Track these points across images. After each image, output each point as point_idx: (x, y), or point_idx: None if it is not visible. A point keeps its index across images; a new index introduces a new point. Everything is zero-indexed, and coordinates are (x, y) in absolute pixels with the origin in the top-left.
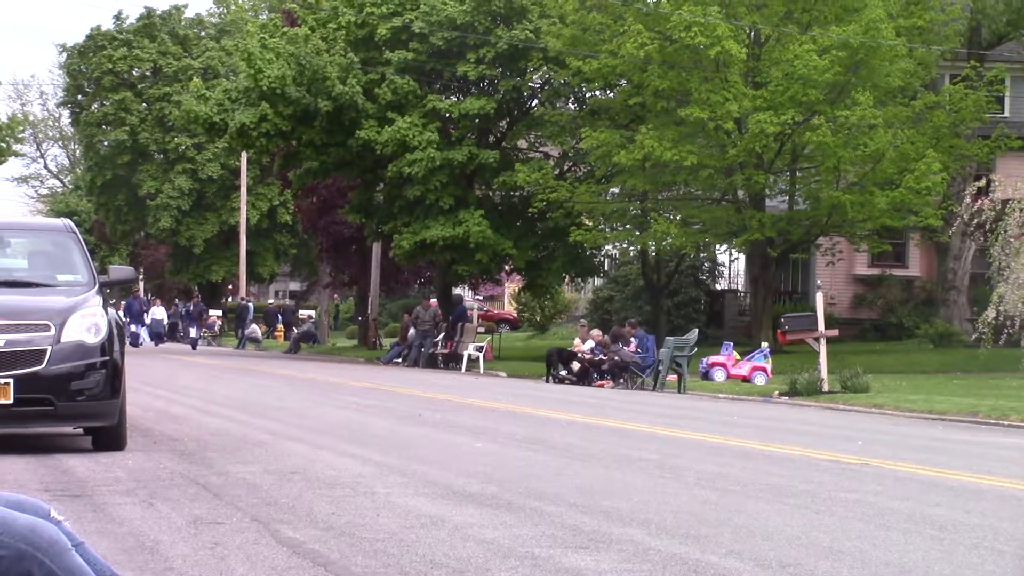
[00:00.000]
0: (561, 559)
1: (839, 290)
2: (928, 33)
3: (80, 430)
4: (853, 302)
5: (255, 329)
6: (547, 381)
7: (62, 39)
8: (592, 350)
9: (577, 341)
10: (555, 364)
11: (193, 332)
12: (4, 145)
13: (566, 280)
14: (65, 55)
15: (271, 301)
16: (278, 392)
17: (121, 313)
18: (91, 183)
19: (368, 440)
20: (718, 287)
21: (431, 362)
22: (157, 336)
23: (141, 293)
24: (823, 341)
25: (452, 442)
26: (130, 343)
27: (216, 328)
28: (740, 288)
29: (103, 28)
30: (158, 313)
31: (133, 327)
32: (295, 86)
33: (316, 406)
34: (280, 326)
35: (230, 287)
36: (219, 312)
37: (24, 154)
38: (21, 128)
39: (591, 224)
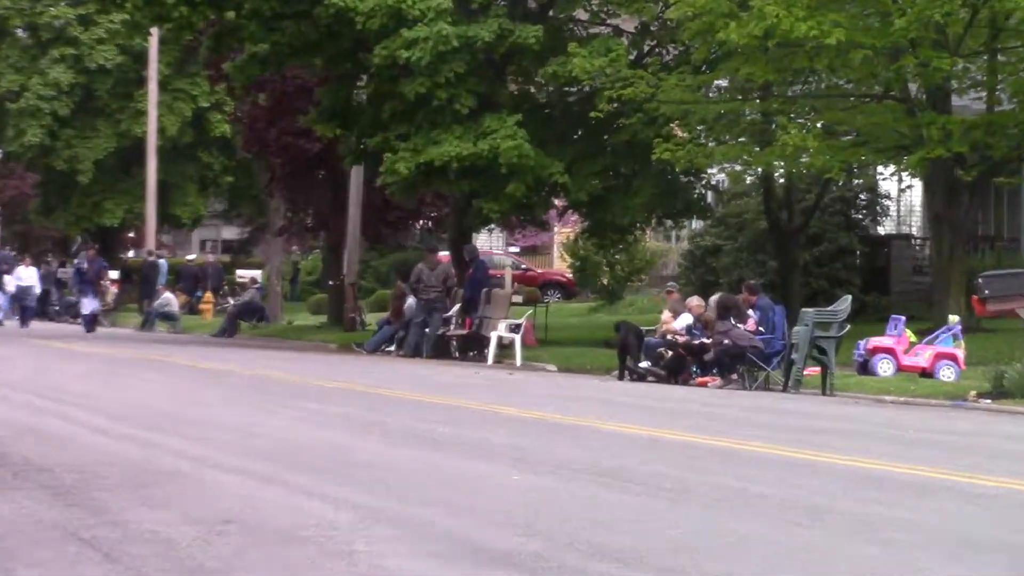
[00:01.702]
0: None
1: None
2: None
3: None
4: None
5: (169, 300)
6: (619, 378)
7: None
8: (688, 329)
9: (666, 315)
10: (631, 351)
11: (88, 303)
12: None
13: (650, 223)
14: None
15: (191, 257)
16: (204, 396)
17: None
18: None
19: (343, 470)
20: (881, 231)
21: (440, 349)
22: (24, 310)
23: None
24: None
25: (474, 473)
26: None
27: (109, 298)
28: (915, 233)
29: None
30: (25, 275)
31: None
32: None
33: (262, 418)
34: (208, 295)
35: (131, 236)
36: (114, 274)
37: None
38: None
39: (687, 136)
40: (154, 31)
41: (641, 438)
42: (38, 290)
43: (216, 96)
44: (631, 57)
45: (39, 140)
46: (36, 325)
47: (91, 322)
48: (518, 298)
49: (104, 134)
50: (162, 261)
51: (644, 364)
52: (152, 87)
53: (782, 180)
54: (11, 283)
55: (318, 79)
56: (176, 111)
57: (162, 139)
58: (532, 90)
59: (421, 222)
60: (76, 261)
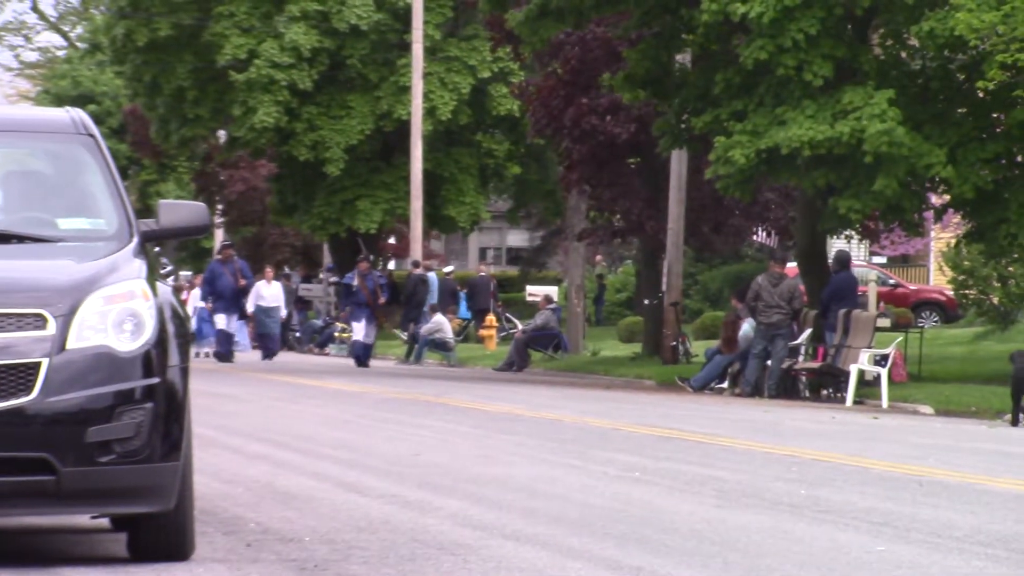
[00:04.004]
0: None
1: None
2: None
3: (105, 520)
4: None
5: (441, 324)
6: (1013, 423)
7: None
8: None
9: None
10: None
11: (361, 330)
12: None
13: None
14: None
15: (448, 269)
16: (484, 445)
17: (195, 294)
18: (126, 41)
19: (662, 539)
20: None
21: (785, 386)
22: (265, 339)
23: (234, 254)
24: None
25: (826, 543)
26: (217, 350)
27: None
28: None
29: None
30: (268, 293)
31: (221, 319)
32: None
33: (560, 473)
34: (490, 318)
35: (391, 243)
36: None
37: None
38: None
39: None
40: None
41: None
42: (284, 313)
43: (500, 64)
44: None
45: (274, 121)
46: (283, 357)
47: (363, 355)
48: (885, 322)
49: (358, 114)
50: (431, 275)
51: None
52: (417, 52)
53: None
54: (249, 302)
55: (629, 39)
56: (449, 85)
57: (430, 122)
58: (904, 54)
59: (761, 224)
60: (346, 277)
